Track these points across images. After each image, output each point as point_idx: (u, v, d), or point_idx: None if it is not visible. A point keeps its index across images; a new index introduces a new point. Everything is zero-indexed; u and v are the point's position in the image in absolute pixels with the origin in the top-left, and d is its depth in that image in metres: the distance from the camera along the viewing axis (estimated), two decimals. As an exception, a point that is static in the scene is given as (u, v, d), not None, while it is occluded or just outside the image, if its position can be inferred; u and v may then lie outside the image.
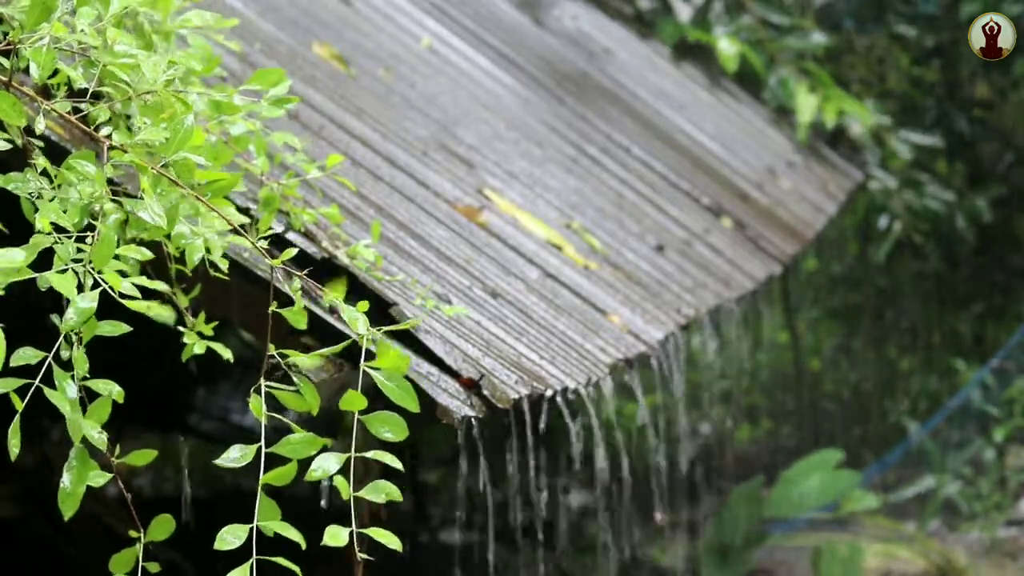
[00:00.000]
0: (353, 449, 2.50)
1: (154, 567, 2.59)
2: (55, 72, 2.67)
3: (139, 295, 2.45)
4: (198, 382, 7.56)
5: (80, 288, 2.41)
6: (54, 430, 6.13)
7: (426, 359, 3.28)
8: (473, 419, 3.21)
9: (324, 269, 3.32)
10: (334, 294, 2.65)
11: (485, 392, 3.29)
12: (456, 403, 3.18)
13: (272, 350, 2.66)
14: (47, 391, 2.40)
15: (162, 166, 2.58)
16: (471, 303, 3.82)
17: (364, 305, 2.65)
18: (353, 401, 2.52)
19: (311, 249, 3.32)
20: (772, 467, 8.23)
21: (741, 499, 7.41)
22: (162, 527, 2.60)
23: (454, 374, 3.29)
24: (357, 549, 2.46)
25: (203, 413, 7.79)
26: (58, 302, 2.43)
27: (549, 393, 3.59)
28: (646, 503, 5.89)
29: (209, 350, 2.86)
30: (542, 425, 3.60)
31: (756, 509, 7.42)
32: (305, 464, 2.51)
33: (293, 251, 2.69)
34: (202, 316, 2.90)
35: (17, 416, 2.38)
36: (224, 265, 2.73)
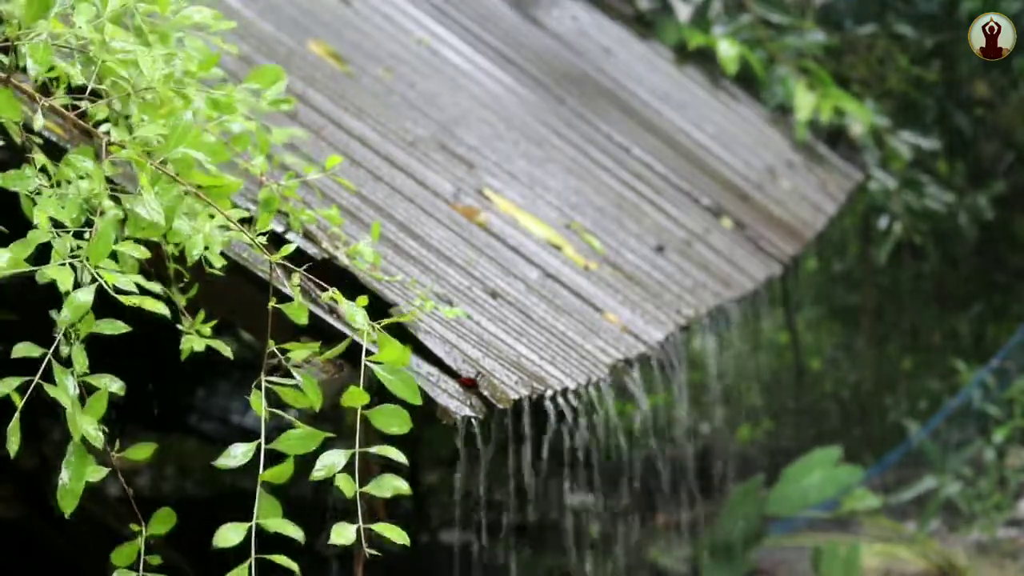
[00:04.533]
0: (358, 444, 2.48)
1: (155, 560, 2.58)
2: (52, 69, 2.67)
3: (136, 291, 2.44)
4: (198, 382, 7.56)
5: (77, 284, 2.40)
6: (53, 431, 6.12)
7: (426, 359, 3.28)
8: (473, 419, 3.21)
9: (323, 270, 3.32)
10: (333, 293, 2.64)
11: (485, 392, 3.28)
12: (456, 403, 3.18)
13: (272, 345, 2.64)
14: (47, 387, 2.39)
15: (160, 162, 2.57)
16: (471, 303, 3.82)
17: (363, 300, 2.64)
18: (355, 397, 2.50)
19: (311, 250, 3.32)
20: (772, 467, 8.23)
21: (741, 499, 7.41)
22: (163, 521, 2.59)
23: (454, 374, 3.28)
24: (364, 546, 2.44)
25: (203, 414, 7.79)
26: (57, 301, 2.43)
27: (549, 394, 3.59)
28: (646, 503, 5.89)
29: (209, 351, 2.86)
30: (543, 426, 3.59)
31: (756, 508, 7.42)
32: (306, 461, 2.49)
33: (292, 246, 2.68)
34: (200, 315, 2.90)
35: (17, 413, 2.37)
36: (219, 263, 2.72)
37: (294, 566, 2.42)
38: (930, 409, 9.18)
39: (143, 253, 2.52)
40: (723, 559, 7.26)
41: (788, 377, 9.83)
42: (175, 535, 2.64)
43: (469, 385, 3.28)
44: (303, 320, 2.65)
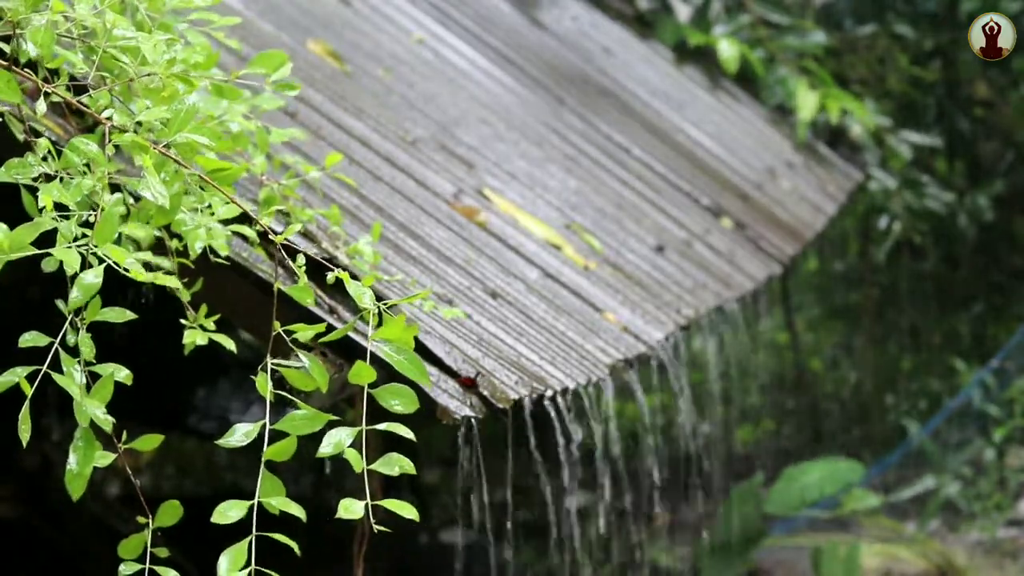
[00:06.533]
0: (364, 421, 2.47)
1: (163, 552, 2.57)
2: (54, 59, 2.66)
3: (143, 271, 2.43)
4: (198, 382, 7.56)
5: (84, 267, 2.40)
6: (54, 430, 6.13)
7: (426, 359, 3.28)
8: (473, 420, 3.21)
9: (324, 270, 3.31)
10: (339, 273, 2.63)
11: (484, 392, 3.28)
12: (456, 403, 3.18)
13: (278, 328, 2.62)
14: (55, 376, 2.39)
15: (164, 146, 2.56)
16: (471, 304, 3.82)
17: (370, 279, 2.63)
18: (362, 374, 2.49)
19: (311, 250, 3.32)
20: (772, 467, 8.23)
21: (741, 498, 7.40)
22: (170, 513, 2.58)
23: (454, 374, 3.28)
24: (372, 521, 2.43)
25: (203, 413, 7.79)
26: (62, 293, 2.42)
27: (549, 394, 3.59)
28: (646, 503, 5.89)
29: (209, 350, 2.85)
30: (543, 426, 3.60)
31: (756, 508, 7.41)
32: (309, 445, 2.49)
33: (297, 226, 2.68)
34: (203, 309, 2.90)
35: (27, 402, 2.37)
36: (225, 252, 2.72)
37: (294, 545, 2.41)
38: (930, 409, 9.18)
39: (148, 235, 2.52)
40: (723, 559, 7.26)
41: (788, 377, 9.83)
42: (176, 533, 2.64)
43: (469, 385, 3.28)
44: (309, 300, 2.64)
